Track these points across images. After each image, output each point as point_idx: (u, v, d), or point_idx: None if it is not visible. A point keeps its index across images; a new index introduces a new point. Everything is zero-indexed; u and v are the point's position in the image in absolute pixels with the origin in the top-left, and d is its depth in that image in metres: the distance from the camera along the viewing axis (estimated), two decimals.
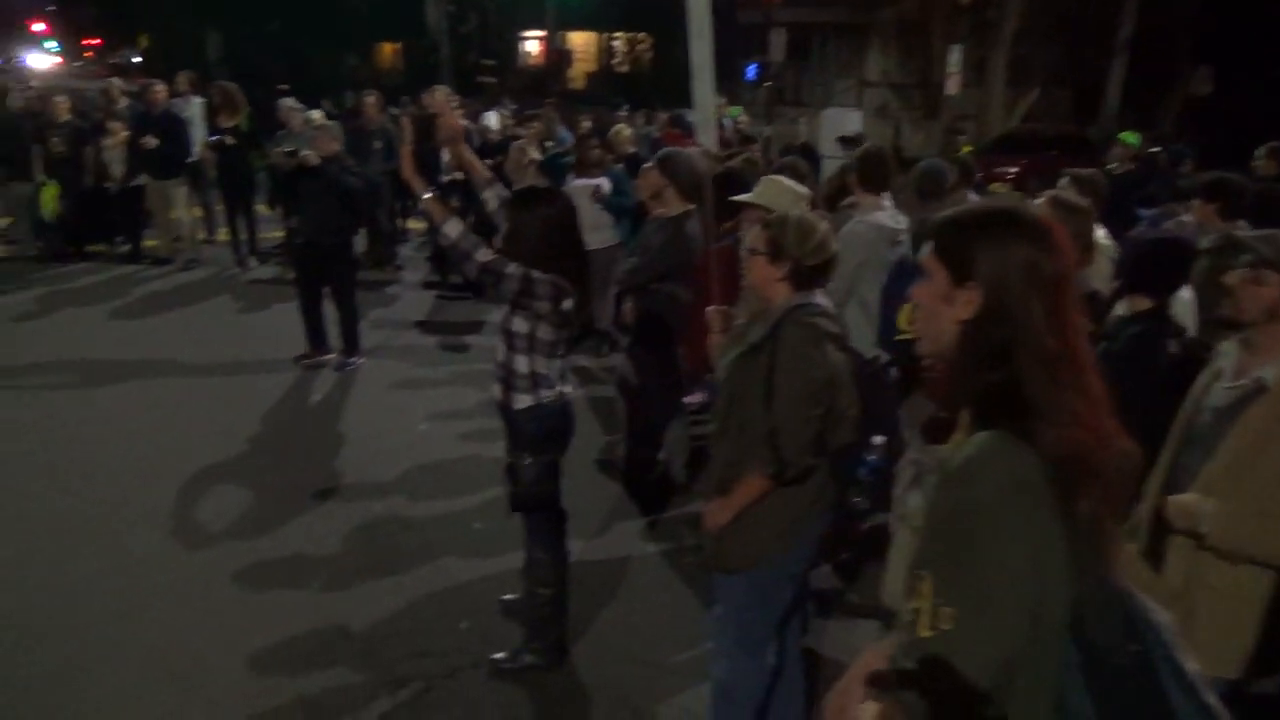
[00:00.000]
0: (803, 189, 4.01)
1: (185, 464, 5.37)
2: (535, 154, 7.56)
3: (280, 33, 30.04)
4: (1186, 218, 4.55)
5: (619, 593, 4.27)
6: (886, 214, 4.51)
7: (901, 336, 3.84)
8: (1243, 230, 4.24)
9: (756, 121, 13.14)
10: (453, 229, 3.30)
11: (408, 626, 3.93)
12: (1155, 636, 1.44)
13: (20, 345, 7.46)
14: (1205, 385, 2.61)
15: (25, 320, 8.20)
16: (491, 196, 3.67)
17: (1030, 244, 1.45)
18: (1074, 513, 1.38)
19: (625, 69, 32.95)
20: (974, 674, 1.38)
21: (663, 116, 12.41)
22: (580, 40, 34.88)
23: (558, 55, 33.45)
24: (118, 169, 10.02)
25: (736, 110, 13.10)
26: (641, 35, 32.75)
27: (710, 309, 3.33)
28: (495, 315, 7.38)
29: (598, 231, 6.89)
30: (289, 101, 9.95)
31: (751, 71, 24.74)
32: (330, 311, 7.23)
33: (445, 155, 9.09)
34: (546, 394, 3.43)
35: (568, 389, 3.56)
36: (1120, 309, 3.12)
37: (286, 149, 7.57)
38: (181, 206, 10.20)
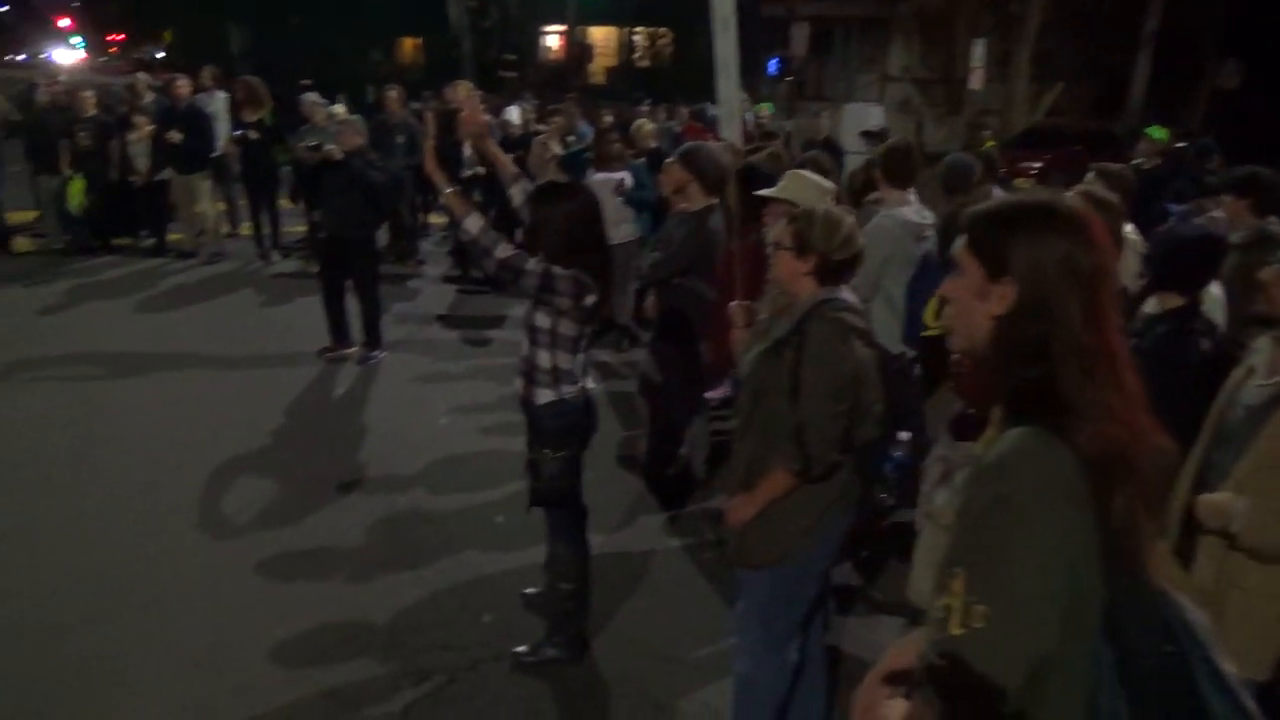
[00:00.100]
0: (828, 183, 3.99)
1: (210, 456, 5.41)
2: (557, 149, 7.56)
3: (302, 27, 30.19)
4: (1217, 213, 4.50)
5: (640, 587, 4.27)
6: (912, 209, 4.48)
7: (928, 332, 3.82)
8: (1275, 226, 4.20)
9: (777, 116, 13.06)
10: (473, 225, 3.30)
11: (430, 619, 3.95)
12: (1191, 637, 1.42)
13: (47, 338, 7.53)
14: (1237, 383, 2.58)
15: (52, 313, 8.27)
16: (518, 192, 3.67)
17: (1067, 238, 1.43)
18: (1109, 510, 1.37)
19: (646, 64, 32.88)
20: (1005, 672, 1.37)
21: (684, 111, 12.39)
22: (601, 35, 34.82)
23: (578, 50, 33.40)
24: (143, 163, 10.10)
25: (769, 105, 13.02)
26: (662, 30, 32.66)
27: (733, 304, 3.32)
28: (517, 310, 7.44)
29: (618, 226, 6.90)
30: (312, 96, 10.01)
31: (773, 66, 24.64)
32: (353, 305, 7.26)
33: (467, 150, 9.12)
34: (568, 389, 3.42)
35: (590, 384, 3.56)
36: (1150, 306, 3.08)
37: (311, 143, 7.61)
38: (206, 200, 10.27)
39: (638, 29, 33.52)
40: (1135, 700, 1.39)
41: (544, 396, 3.41)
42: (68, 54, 49.33)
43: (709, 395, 5.41)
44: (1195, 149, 8.99)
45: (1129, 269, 3.65)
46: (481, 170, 9.19)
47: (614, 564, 4.34)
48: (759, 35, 20.57)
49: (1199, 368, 2.73)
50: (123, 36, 54.83)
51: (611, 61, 34.35)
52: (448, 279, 9.81)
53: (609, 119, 10.68)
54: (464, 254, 9.23)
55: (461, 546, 4.52)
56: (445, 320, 8.49)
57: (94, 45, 55.73)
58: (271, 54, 27.11)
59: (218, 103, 10.87)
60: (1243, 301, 3.55)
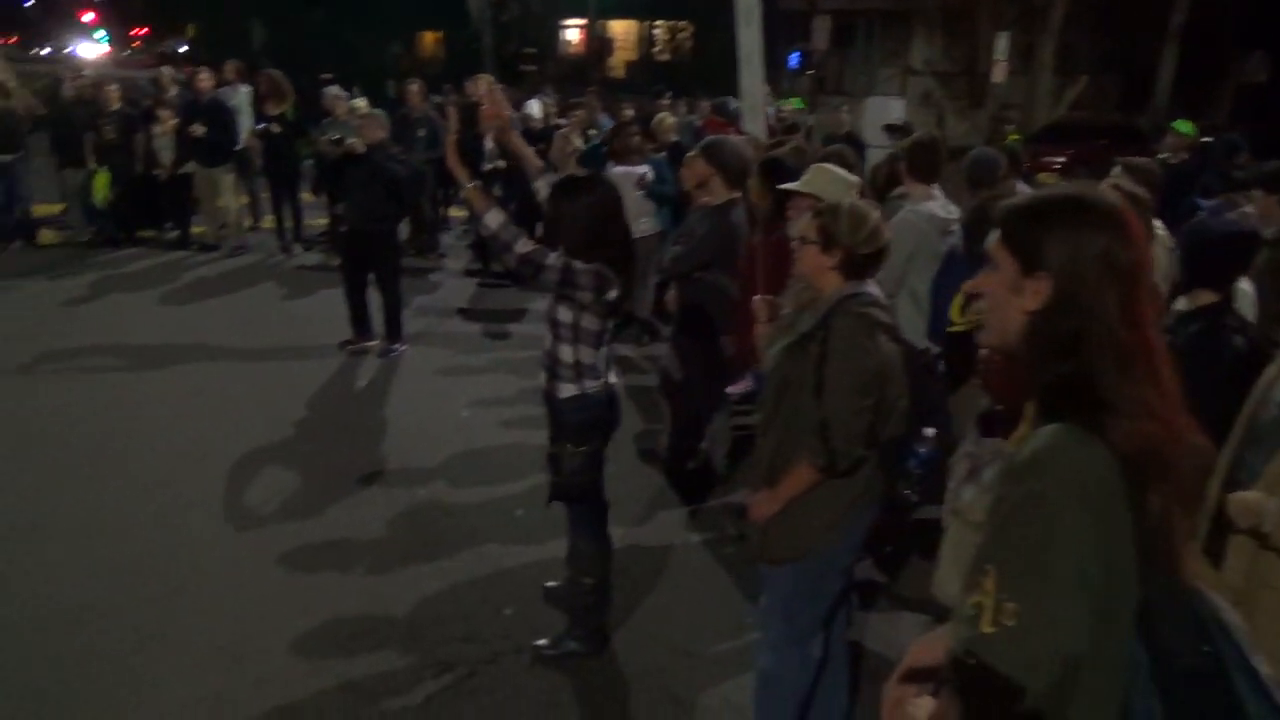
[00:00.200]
0: (853, 177, 3.96)
1: (231, 448, 5.45)
2: (578, 142, 7.55)
3: (323, 21, 30.31)
4: (1248, 209, 4.44)
5: (660, 582, 4.27)
6: (937, 204, 4.45)
7: (953, 328, 3.79)
8: None
9: (798, 110, 12.99)
10: (493, 219, 3.29)
11: (451, 611, 3.96)
12: (1227, 637, 1.40)
13: (71, 329, 7.60)
14: (1270, 380, 2.54)
15: (76, 305, 8.35)
16: (543, 185, 3.66)
17: (1104, 232, 1.41)
18: (1144, 509, 1.35)
19: (666, 57, 32.82)
20: (1037, 671, 1.35)
21: (704, 105, 12.35)
22: (621, 28, 34.78)
23: (599, 43, 33.39)
24: (167, 157, 10.16)
25: (799, 101, 12.95)
26: (683, 23, 32.59)
27: (756, 298, 3.30)
28: (537, 303, 7.45)
29: (639, 220, 6.87)
30: (334, 89, 10.07)
31: (794, 60, 24.53)
32: (374, 298, 7.29)
33: (488, 144, 9.13)
34: (591, 384, 3.42)
35: (614, 379, 3.55)
36: (1181, 303, 3.04)
37: (333, 136, 7.64)
38: (228, 194, 10.34)
39: (658, 22, 33.46)
40: (1169, 701, 1.37)
41: (567, 391, 3.40)
42: (92, 48, 49.78)
43: (730, 390, 5.40)
44: (1222, 144, 8.87)
45: (1159, 265, 3.61)
46: (502, 164, 9.20)
47: (635, 558, 4.34)
48: (780, 29, 20.50)
49: (1232, 365, 2.70)
50: (146, 30, 55.25)
51: (631, 55, 34.31)
52: (469, 272, 9.83)
53: (629, 113, 10.67)
54: (485, 248, 9.25)
55: (482, 539, 4.53)
56: (466, 313, 8.51)
57: (117, 39, 56.19)
58: (293, 48, 27.24)
59: (241, 96, 10.92)
60: (1273, 298, 3.51)
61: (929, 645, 1.81)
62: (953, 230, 4.34)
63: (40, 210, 10.74)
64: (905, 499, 3.02)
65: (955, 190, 5.00)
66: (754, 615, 3.60)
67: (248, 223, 11.04)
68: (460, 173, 3.57)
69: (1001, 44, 18.84)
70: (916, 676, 1.78)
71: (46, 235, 10.63)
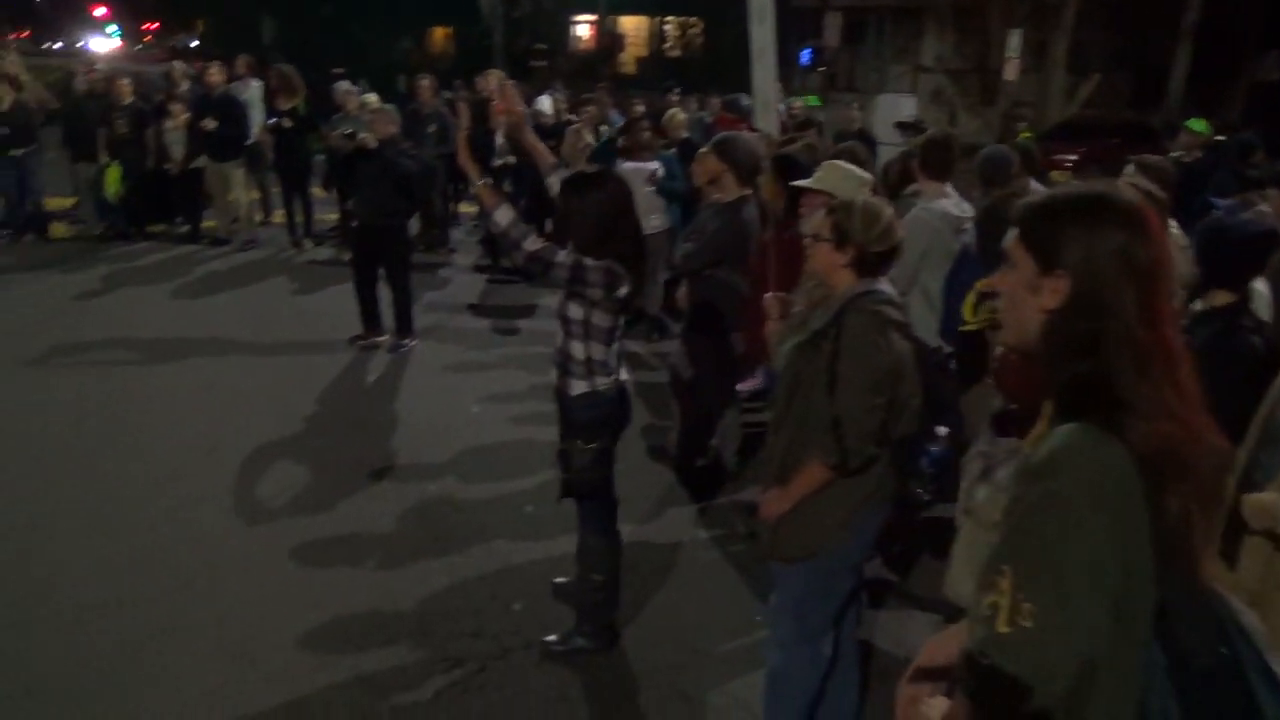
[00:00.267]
0: (865, 174, 3.95)
1: (242, 443, 5.46)
2: (589, 138, 7.54)
3: (334, 16, 30.33)
4: (1264, 208, 4.41)
5: (670, 579, 4.27)
6: (951, 201, 4.43)
7: (965, 327, 3.77)
8: None
9: (813, 107, 12.94)
10: (503, 217, 3.28)
11: (461, 607, 3.96)
12: (1245, 640, 1.39)
13: (82, 323, 7.63)
14: None
15: (87, 298, 8.38)
16: (556, 181, 3.66)
17: (1123, 230, 1.40)
18: (1162, 509, 1.34)
19: (677, 53, 32.77)
20: (1052, 671, 1.35)
21: (714, 101, 12.31)
22: (631, 24, 34.73)
23: (609, 39, 33.36)
24: (178, 151, 10.19)
25: (814, 99, 12.91)
26: (693, 19, 32.53)
27: (768, 295, 3.29)
28: (547, 299, 7.46)
29: (649, 217, 6.86)
30: (345, 84, 10.07)
31: (805, 56, 24.47)
32: (384, 293, 7.29)
33: (499, 139, 9.13)
34: (602, 381, 3.41)
35: (625, 376, 3.54)
36: (1196, 303, 3.02)
37: (345, 131, 7.65)
38: (239, 188, 10.36)
39: (669, 18, 33.40)
40: (1187, 703, 1.36)
41: (578, 388, 3.40)
42: (103, 42, 49.91)
43: (740, 387, 5.39)
44: (1237, 143, 8.82)
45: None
46: (511, 159, 9.21)
47: (644, 555, 4.33)
48: (791, 25, 20.44)
49: (1249, 366, 2.68)
50: (157, 25, 55.41)
51: (642, 51, 34.27)
52: (478, 268, 9.84)
53: (640, 109, 10.65)
54: (495, 243, 9.25)
55: (492, 535, 4.53)
56: (476, 309, 8.52)
57: (129, 34, 56.35)
58: (303, 43, 27.28)
59: (252, 91, 10.95)
60: None
61: (942, 643, 1.81)
62: (966, 228, 4.32)
63: (52, 204, 10.80)
64: (917, 497, 3.00)
65: (966, 188, 4.98)
66: (763, 613, 3.59)
67: (259, 217, 11.07)
68: (471, 169, 3.57)
69: (1014, 41, 18.75)
70: (930, 675, 1.77)
71: (58, 229, 10.69)
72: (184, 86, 10.85)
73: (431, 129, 10.03)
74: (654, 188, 7.16)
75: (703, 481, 5.11)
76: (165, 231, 10.88)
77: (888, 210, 2.84)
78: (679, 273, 5.19)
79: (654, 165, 7.26)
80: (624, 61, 33.64)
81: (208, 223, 10.67)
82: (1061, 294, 1.42)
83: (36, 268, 9.26)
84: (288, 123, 9.85)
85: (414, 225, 8.92)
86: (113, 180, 10.11)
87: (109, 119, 10.09)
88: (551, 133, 9.09)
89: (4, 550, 4.29)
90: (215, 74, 10.40)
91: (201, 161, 10.16)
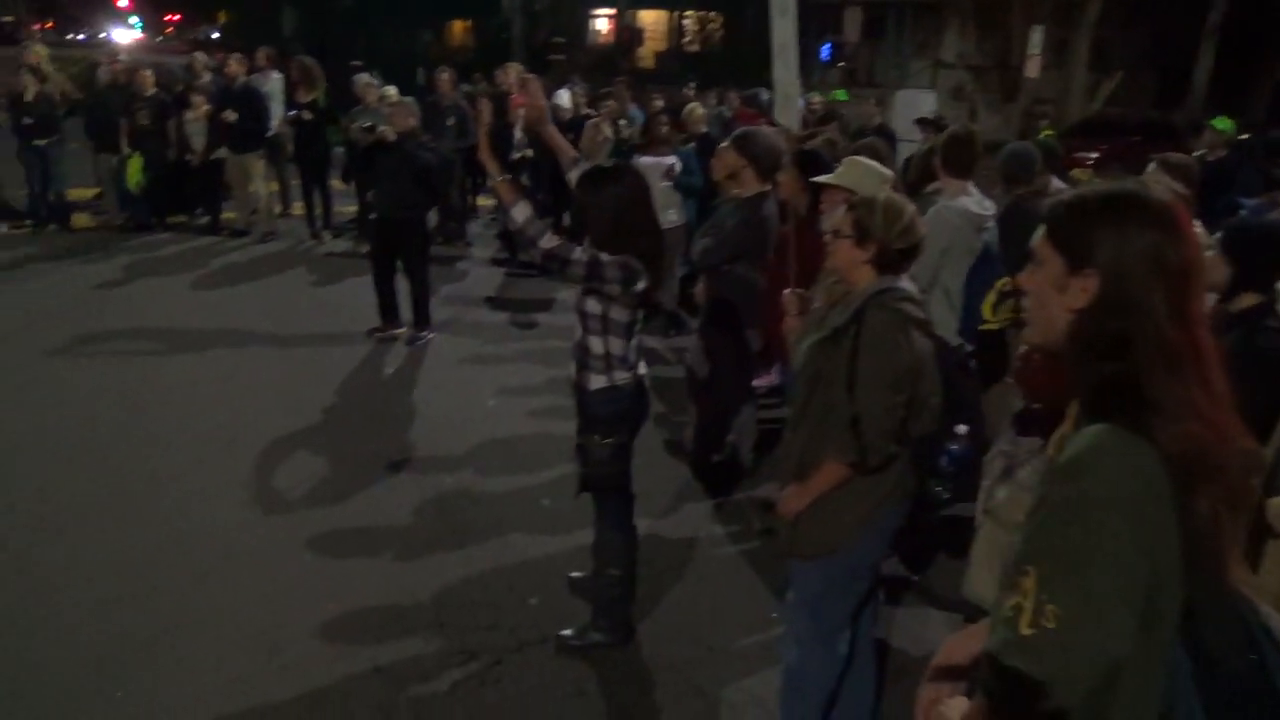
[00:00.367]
0: (887, 171, 3.92)
1: (260, 433, 5.49)
2: (608, 131, 7.53)
3: (353, 9, 30.39)
4: None
5: (685, 574, 4.26)
6: (972, 199, 4.40)
7: (985, 326, 3.76)
8: None
9: (842, 102, 12.86)
10: (520, 214, 3.28)
11: (477, 599, 3.97)
12: (1274, 645, 1.37)
13: (103, 312, 7.69)
14: None
15: (108, 288, 8.44)
16: (576, 175, 3.65)
17: (1154, 229, 1.38)
18: (1191, 512, 1.32)
19: (695, 48, 32.68)
20: (1076, 674, 1.33)
21: (733, 96, 12.27)
22: (650, 18, 34.64)
23: (628, 33, 33.29)
24: (199, 142, 10.24)
25: (843, 93, 12.83)
26: (713, 14, 32.43)
27: (787, 292, 3.27)
28: (564, 293, 7.46)
29: (665, 212, 6.85)
30: (365, 77, 10.09)
31: (825, 51, 24.38)
32: (402, 286, 7.31)
33: (516, 133, 9.14)
34: (621, 376, 3.41)
35: (644, 370, 3.54)
36: (1222, 304, 2.98)
37: (365, 124, 7.66)
38: (259, 180, 10.40)
39: (688, 12, 33.31)
40: (1212, 709, 1.35)
41: (597, 383, 3.39)
42: (126, 34, 50.22)
43: (757, 383, 5.38)
44: (1262, 142, 8.73)
45: None
46: (529, 153, 9.21)
47: (660, 550, 4.33)
48: (811, 20, 20.35)
49: (1275, 367, 2.65)
50: (179, 17, 55.71)
51: (661, 45, 34.19)
52: (496, 261, 9.85)
53: (659, 103, 10.63)
54: (512, 237, 9.26)
55: (509, 528, 4.54)
56: (493, 302, 8.53)
57: (151, 25, 56.68)
58: (323, 35, 27.36)
59: (273, 83, 10.99)
60: None
61: (962, 643, 1.80)
62: (987, 227, 4.29)
63: (75, 194, 10.86)
64: (936, 496, 2.98)
65: (987, 185, 4.95)
66: (780, 610, 3.59)
67: (278, 209, 11.11)
68: (491, 164, 3.57)
69: (1036, 38, 18.59)
70: (949, 674, 1.76)
71: (81, 219, 10.76)
72: (205, 78, 10.90)
73: (450, 122, 10.04)
74: (670, 183, 7.14)
75: (719, 477, 5.11)
76: (186, 222, 10.94)
77: (909, 207, 2.82)
78: (696, 268, 5.18)
79: (670, 160, 7.24)
80: (642, 56, 33.56)
81: (228, 214, 10.72)
82: (1090, 293, 1.41)
83: (59, 257, 9.34)
84: (308, 115, 9.88)
85: (432, 218, 8.95)
86: (134, 171, 10.17)
87: (131, 110, 10.14)
88: (570, 126, 9.09)
89: (22, 540, 4.33)
90: (236, 66, 10.45)
91: (222, 153, 10.20)
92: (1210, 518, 1.33)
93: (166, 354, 6.83)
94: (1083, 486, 1.33)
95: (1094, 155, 14.94)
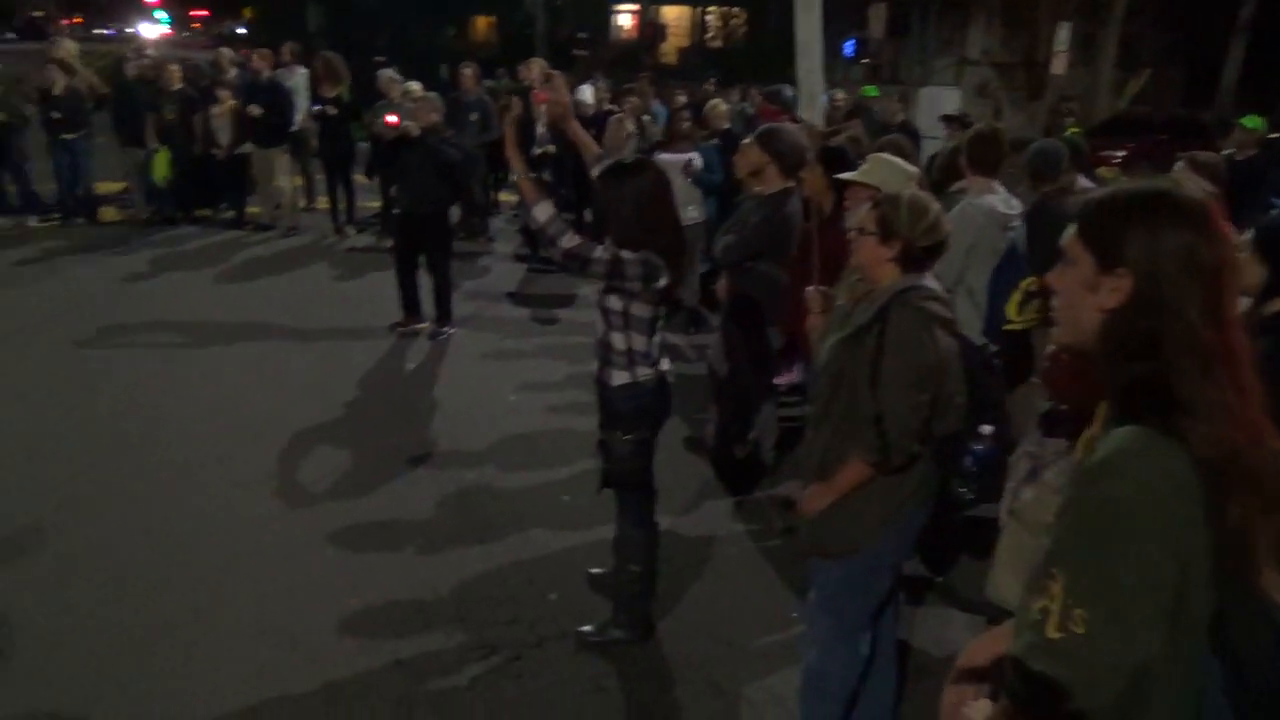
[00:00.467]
0: (912, 167, 3.89)
1: (284, 427, 5.52)
2: (631, 127, 7.52)
3: (377, 4, 30.49)
4: None
5: (705, 572, 4.26)
6: (998, 198, 4.36)
7: (1010, 326, 3.72)
8: None
9: (853, 99, 12.81)
10: (542, 212, 3.27)
11: (497, 594, 3.98)
12: None
13: (129, 305, 7.76)
14: None
15: (134, 281, 8.52)
16: (599, 171, 3.65)
17: (1187, 229, 1.36)
18: (1223, 516, 1.30)
19: (718, 44, 32.61)
20: (1103, 679, 1.32)
21: (754, 92, 12.23)
22: (673, 14, 34.59)
23: (651, 29, 33.25)
24: (225, 137, 10.31)
25: (873, 89, 12.75)
26: (735, 10, 32.34)
27: (810, 289, 3.26)
28: (586, 289, 7.45)
29: (685, 209, 6.83)
30: (388, 72, 10.12)
31: (849, 48, 24.25)
32: (425, 281, 7.34)
33: (539, 128, 9.14)
34: (644, 372, 3.40)
35: (666, 366, 3.53)
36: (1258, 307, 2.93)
37: (388, 118, 7.68)
38: (284, 174, 10.46)
39: (710, 8, 33.23)
40: (1242, 713, 1.33)
41: (619, 379, 3.39)
42: (153, 29, 50.62)
43: (778, 381, 5.35)
44: None
45: None
46: (552, 149, 9.21)
47: (679, 547, 4.32)
48: (835, 16, 20.23)
49: None
50: (205, 13, 56.14)
51: (684, 41, 34.13)
52: (518, 257, 9.87)
53: (682, 99, 10.61)
54: (533, 234, 9.27)
55: (529, 524, 4.55)
56: (515, 298, 8.55)
57: (178, 20, 57.13)
58: (347, 31, 27.46)
59: (298, 78, 11.04)
60: None
61: (986, 644, 1.78)
62: (1013, 226, 4.25)
63: (103, 188, 10.97)
64: (960, 497, 2.96)
65: (1011, 183, 4.90)
66: (800, 610, 3.58)
67: (302, 204, 11.17)
68: (518, 162, 3.57)
69: (1062, 35, 18.43)
70: (973, 676, 1.75)
71: (108, 212, 10.87)
72: (231, 73, 10.97)
73: (474, 117, 10.06)
74: (689, 179, 7.11)
75: (740, 475, 5.09)
76: (211, 216, 11.03)
77: (935, 204, 2.80)
78: (719, 265, 5.16)
79: (688, 156, 7.21)
80: (665, 52, 33.51)
81: (252, 208, 10.80)
82: (1123, 293, 1.39)
83: (86, 250, 9.44)
84: (332, 110, 9.93)
85: (455, 213, 8.98)
86: (161, 165, 10.27)
87: (157, 105, 10.23)
88: (591, 122, 9.09)
89: (48, 529, 4.37)
90: (262, 61, 10.50)
91: (247, 148, 10.28)
92: (1242, 522, 1.31)
93: (191, 346, 6.88)
94: (1112, 489, 1.32)
95: (1121, 154, 14.77)
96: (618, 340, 3.37)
